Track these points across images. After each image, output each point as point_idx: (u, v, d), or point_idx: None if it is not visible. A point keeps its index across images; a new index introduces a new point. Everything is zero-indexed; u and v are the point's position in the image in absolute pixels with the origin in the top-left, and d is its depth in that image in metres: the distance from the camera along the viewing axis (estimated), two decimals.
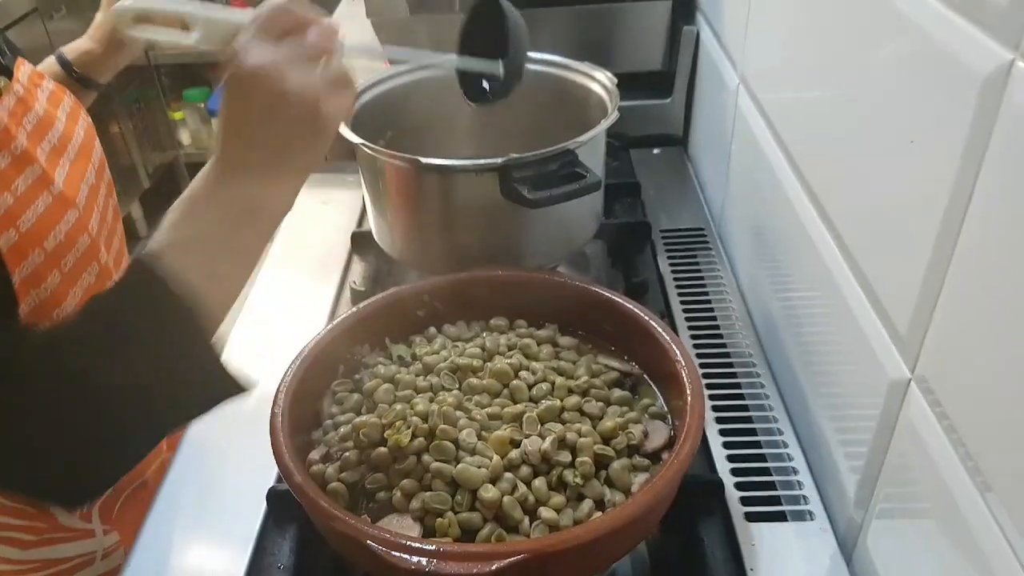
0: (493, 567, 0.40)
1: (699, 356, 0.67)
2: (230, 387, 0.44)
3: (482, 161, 0.64)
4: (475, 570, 0.40)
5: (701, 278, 0.78)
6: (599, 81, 0.74)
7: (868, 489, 0.48)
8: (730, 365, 0.66)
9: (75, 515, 0.63)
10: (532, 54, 0.78)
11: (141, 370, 0.41)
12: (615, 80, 0.72)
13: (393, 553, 0.41)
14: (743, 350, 0.68)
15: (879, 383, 0.46)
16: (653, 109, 0.97)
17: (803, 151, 0.61)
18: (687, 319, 0.72)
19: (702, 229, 0.86)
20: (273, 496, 0.54)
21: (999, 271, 0.35)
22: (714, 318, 0.72)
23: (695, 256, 0.82)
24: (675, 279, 0.78)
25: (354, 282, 0.76)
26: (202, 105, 2.45)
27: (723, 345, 0.69)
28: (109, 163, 2.25)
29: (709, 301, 0.75)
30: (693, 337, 0.70)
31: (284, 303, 0.78)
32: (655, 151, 1.00)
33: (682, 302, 0.75)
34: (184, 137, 2.55)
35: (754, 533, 0.51)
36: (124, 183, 2.25)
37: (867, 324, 0.48)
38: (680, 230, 0.86)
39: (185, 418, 0.46)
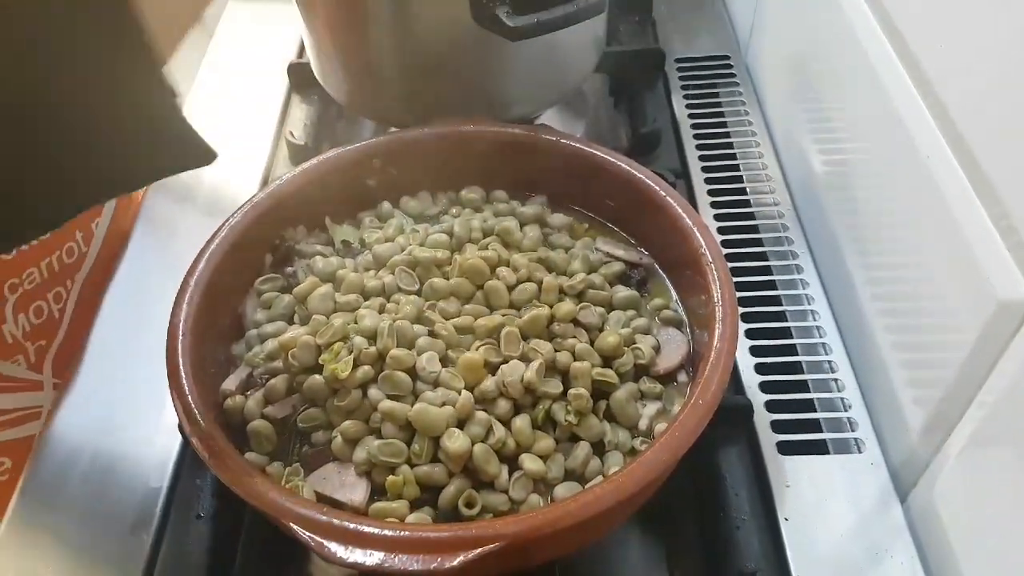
0: (457, 560, 0.30)
1: (722, 231, 0.54)
2: (192, 144, 0.35)
3: None
4: (433, 565, 0.30)
5: (724, 124, 0.63)
6: None
7: (945, 421, 0.37)
8: (760, 243, 0.54)
9: (23, 365, 0.56)
10: None
11: (85, 87, 0.32)
12: None
13: (326, 545, 0.30)
14: (776, 222, 0.55)
15: (981, 301, 0.34)
16: None
17: None
18: (707, 181, 0.58)
19: (727, 57, 0.69)
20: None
21: None
22: (740, 179, 0.58)
23: (717, 93, 0.66)
24: (692, 125, 0.63)
25: (291, 133, 0.61)
26: None
27: (751, 215, 0.56)
28: None
29: (734, 155, 0.60)
30: (714, 206, 0.56)
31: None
32: None
33: (701, 156, 0.60)
34: None
35: (788, 469, 0.41)
36: None
37: (967, 219, 0.35)
38: (699, 59, 0.69)
39: (128, 177, 0.36)
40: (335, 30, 0.53)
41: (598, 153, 0.48)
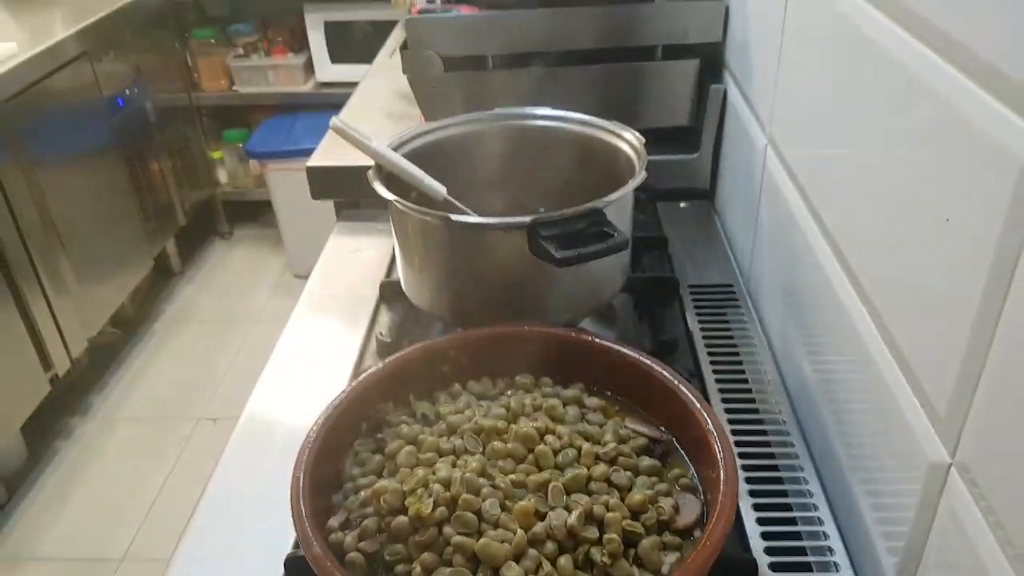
0: None
1: (731, 422, 0.65)
2: None
3: (510, 219, 0.64)
4: None
5: (731, 337, 0.77)
6: (627, 140, 0.74)
7: (909, 572, 0.45)
8: (763, 433, 0.64)
9: None
10: (563, 112, 0.79)
11: None
12: (643, 140, 0.72)
13: None
14: (776, 416, 0.66)
15: (918, 464, 0.44)
16: (680, 164, 0.97)
17: (833, 216, 0.60)
18: (717, 380, 0.71)
19: (731, 286, 0.85)
20: (292, 563, 0.53)
21: None
22: (745, 380, 0.71)
23: (724, 314, 0.80)
24: (704, 337, 0.77)
25: (380, 333, 0.76)
26: (240, 146, 2.51)
27: (755, 410, 0.67)
28: (147, 200, 2.37)
29: (740, 362, 0.73)
30: (724, 401, 0.68)
31: (313, 350, 0.78)
32: (682, 204, 1.00)
33: (712, 362, 0.73)
34: (221, 176, 2.61)
35: None
36: (161, 220, 2.30)
37: (904, 401, 0.46)
38: (708, 286, 0.85)
39: None
40: (425, 259, 0.70)
41: (626, 350, 0.61)
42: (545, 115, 0.79)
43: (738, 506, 0.56)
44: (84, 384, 1.96)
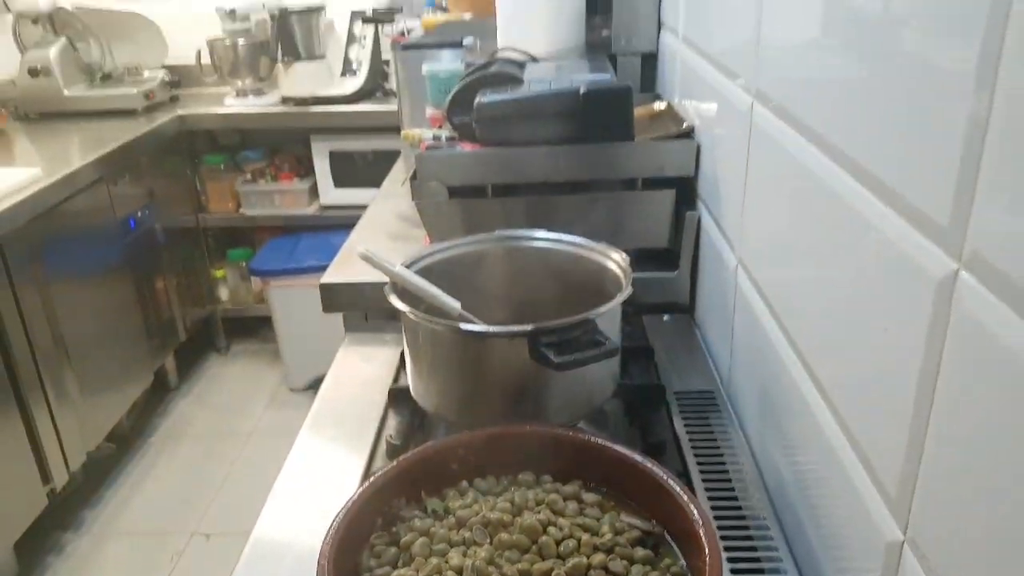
0: None
1: (716, 517, 0.71)
2: None
3: (513, 328, 0.72)
4: None
5: (714, 439, 0.83)
6: (614, 260, 0.83)
7: None
8: (746, 527, 0.70)
9: None
10: (557, 234, 0.88)
11: None
12: (628, 259, 0.82)
13: None
14: (757, 511, 0.72)
15: (878, 544, 0.50)
16: (662, 280, 1.06)
17: (796, 326, 0.68)
18: (703, 479, 0.76)
19: (712, 392, 0.92)
20: None
21: (970, 441, 0.41)
22: (728, 479, 0.76)
23: (707, 418, 0.87)
24: (690, 439, 0.83)
25: (390, 436, 0.82)
26: (244, 264, 2.62)
27: (738, 506, 0.72)
28: (151, 316, 2.47)
29: (723, 462, 0.79)
30: (710, 498, 0.73)
31: (326, 454, 0.83)
32: (665, 317, 1.08)
33: (698, 462, 0.79)
34: (223, 293, 2.70)
35: None
36: (163, 336, 2.36)
37: (862, 487, 0.52)
38: (692, 392, 0.91)
39: None
40: (434, 365, 0.77)
41: (620, 449, 0.67)
42: (541, 237, 0.89)
43: None
44: (78, 498, 1.95)
